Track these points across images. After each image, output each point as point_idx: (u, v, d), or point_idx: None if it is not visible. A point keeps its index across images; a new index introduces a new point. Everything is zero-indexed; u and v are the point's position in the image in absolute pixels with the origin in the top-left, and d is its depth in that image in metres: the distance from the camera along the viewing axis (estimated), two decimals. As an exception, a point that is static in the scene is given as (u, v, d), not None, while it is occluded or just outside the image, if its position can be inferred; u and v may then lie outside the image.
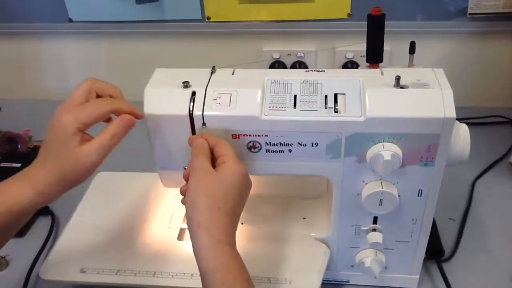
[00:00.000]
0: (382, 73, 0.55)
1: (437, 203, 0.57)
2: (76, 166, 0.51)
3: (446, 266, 0.68)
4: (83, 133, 0.51)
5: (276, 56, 1.03)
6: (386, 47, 0.98)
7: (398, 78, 0.51)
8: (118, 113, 0.53)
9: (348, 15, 0.97)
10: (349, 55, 1.01)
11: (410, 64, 0.60)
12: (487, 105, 1.04)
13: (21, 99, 1.20)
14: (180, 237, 0.67)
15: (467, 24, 0.95)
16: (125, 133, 0.52)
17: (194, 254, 0.48)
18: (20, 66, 1.20)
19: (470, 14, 0.94)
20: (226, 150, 0.52)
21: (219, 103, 0.54)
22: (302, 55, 1.02)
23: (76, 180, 0.52)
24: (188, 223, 0.49)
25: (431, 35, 0.98)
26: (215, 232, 0.47)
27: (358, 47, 0.99)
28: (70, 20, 1.08)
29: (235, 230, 0.50)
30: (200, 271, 0.47)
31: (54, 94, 1.22)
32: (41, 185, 0.51)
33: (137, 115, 0.54)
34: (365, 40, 0.68)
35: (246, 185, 0.52)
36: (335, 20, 0.98)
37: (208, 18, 1.02)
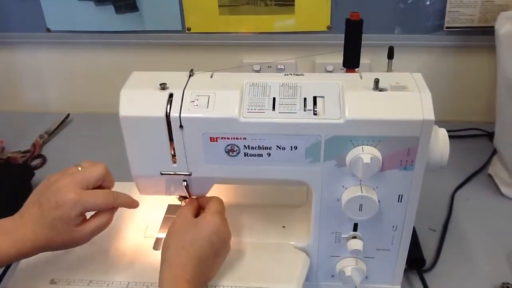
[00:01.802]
0: (361, 77, 0.55)
1: (418, 214, 0.57)
2: (69, 242, 0.55)
3: (428, 276, 0.68)
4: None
5: (256, 68, 1.03)
6: (366, 60, 1.00)
7: (376, 81, 0.51)
8: (117, 207, 0.58)
9: (328, 27, 0.98)
10: (329, 68, 1.01)
11: (389, 69, 0.60)
12: (464, 119, 1.05)
13: (-5, 110, 1.17)
14: (156, 246, 0.64)
15: (444, 38, 0.97)
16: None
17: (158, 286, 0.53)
18: (-6, 76, 1.17)
19: (447, 27, 0.96)
20: (211, 204, 0.58)
21: (197, 105, 0.53)
22: (283, 67, 1.02)
23: (60, 249, 0.56)
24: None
25: (409, 48, 1.00)
26: (176, 268, 0.52)
27: (338, 60, 0.99)
28: (48, 30, 1.06)
29: (198, 272, 0.53)
30: None
31: (30, 105, 1.19)
32: (26, 248, 0.53)
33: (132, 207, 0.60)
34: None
35: (217, 234, 0.55)
36: (315, 32, 0.99)
37: (189, 29, 1.02)
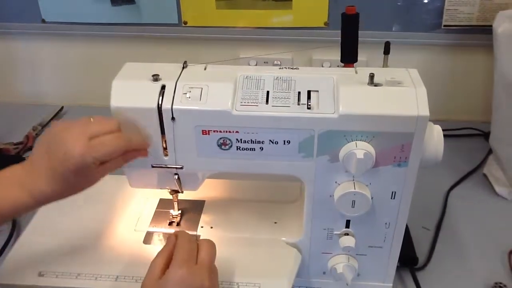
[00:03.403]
0: (356, 72, 0.54)
1: (411, 212, 0.57)
2: (84, 186, 0.53)
3: (420, 275, 0.67)
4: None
5: (252, 63, 1.02)
6: (363, 58, 0.99)
7: (372, 76, 0.51)
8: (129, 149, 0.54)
9: (325, 23, 0.98)
10: (326, 64, 1.00)
11: (385, 65, 0.59)
12: (460, 118, 1.04)
13: (-11, 101, 1.16)
14: (146, 240, 0.64)
15: (442, 36, 0.97)
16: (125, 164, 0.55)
17: None
18: (-11, 67, 1.16)
19: (445, 26, 0.95)
20: (175, 253, 0.52)
21: (189, 97, 0.52)
22: (279, 62, 1.02)
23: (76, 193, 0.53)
24: None
25: (407, 46, 0.99)
26: None
27: (335, 56, 0.99)
28: (43, 21, 1.05)
29: None
30: None
31: (24, 97, 1.18)
32: (44, 198, 0.52)
33: (144, 153, 0.55)
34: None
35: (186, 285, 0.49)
36: (312, 28, 0.99)
37: (185, 22, 1.01)
